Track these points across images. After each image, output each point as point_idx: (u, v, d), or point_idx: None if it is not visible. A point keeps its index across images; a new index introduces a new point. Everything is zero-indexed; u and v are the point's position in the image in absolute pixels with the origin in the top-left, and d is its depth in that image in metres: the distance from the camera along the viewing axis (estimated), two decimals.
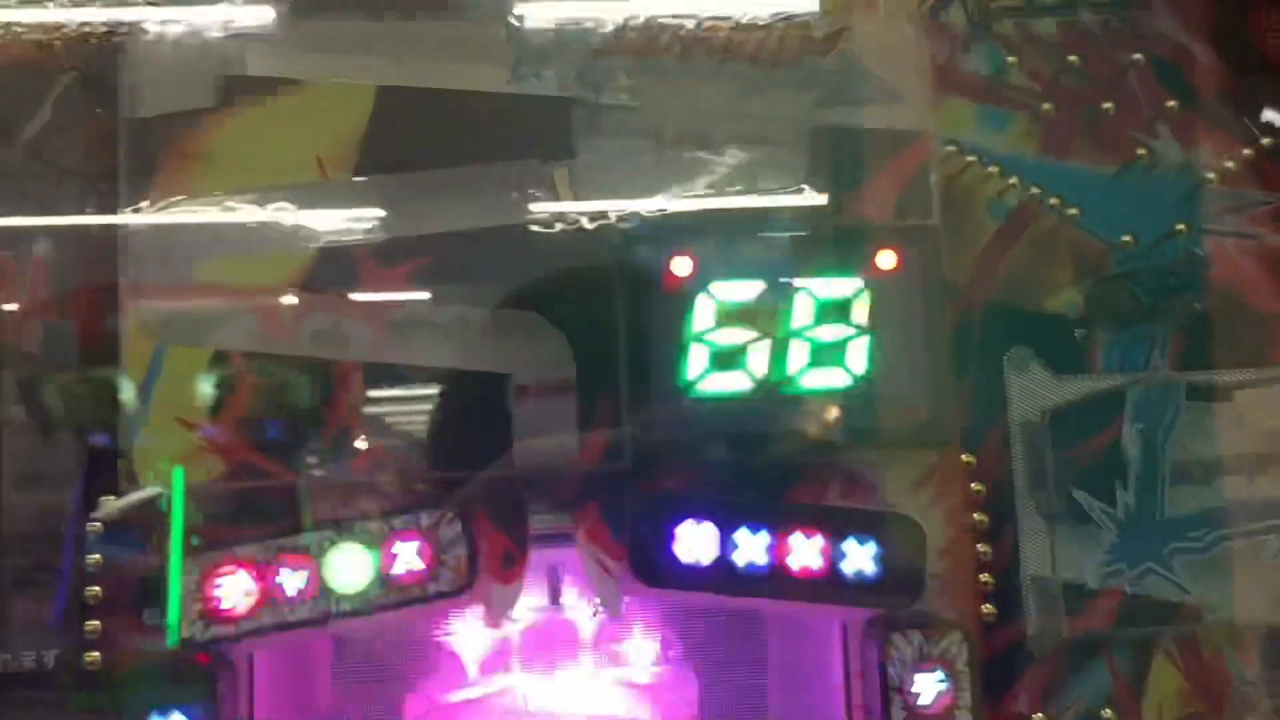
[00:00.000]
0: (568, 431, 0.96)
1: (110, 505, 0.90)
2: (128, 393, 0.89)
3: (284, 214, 0.96)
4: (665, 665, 1.18)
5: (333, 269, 0.96)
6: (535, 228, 0.97)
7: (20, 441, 0.91)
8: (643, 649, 1.21)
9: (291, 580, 0.93)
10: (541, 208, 0.98)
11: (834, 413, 0.99)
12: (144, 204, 0.95)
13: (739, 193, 0.99)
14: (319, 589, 0.93)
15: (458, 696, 1.15)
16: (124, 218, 0.95)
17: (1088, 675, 1.00)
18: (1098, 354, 1.03)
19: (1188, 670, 1.00)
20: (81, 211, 0.97)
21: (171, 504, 0.88)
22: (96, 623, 0.94)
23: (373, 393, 0.95)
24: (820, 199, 1.00)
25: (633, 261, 0.97)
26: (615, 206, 0.97)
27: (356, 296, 0.96)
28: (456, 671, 1.16)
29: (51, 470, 0.91)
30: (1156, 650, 1.00)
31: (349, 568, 0.93)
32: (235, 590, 0.93)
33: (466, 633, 1.10)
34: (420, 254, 0.96)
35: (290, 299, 0.95)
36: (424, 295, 0.96)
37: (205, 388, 0.94)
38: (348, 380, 0.96)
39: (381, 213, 0.95)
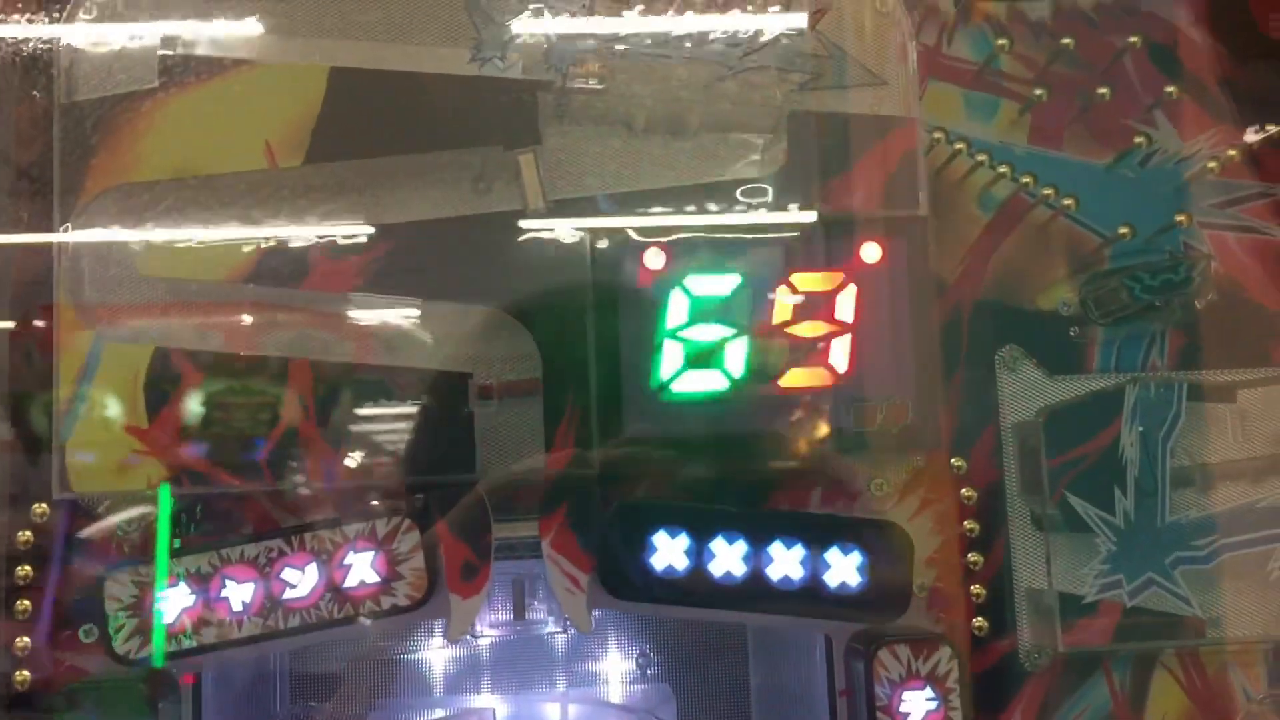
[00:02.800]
0: (534, 435, 0.92)
1: (97, 523, 0.88)
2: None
3: (230, 203, 0.90)
4: (641, 684, 1.14)
5: (282, 262, 0.91)
6: (500, 219, 0.93)
7: (6, 459, 0.89)
8: (617, 666, 1.17)
9: (237, 594, 0.88)
10: (506, 197, 0.93)
11: (816, 415, 0.95)
12: (80, 192, 0.89)
13: (714, 181, 0.94)
14: (266, 603, 0.88)
15: (422, 717, 1.11)
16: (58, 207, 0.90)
17: (1085, 692, 0.96)
18: (1093, 353, 0.99)
19: (1190, 687, 0.96)
20: (14, 200, 0.91)
21: (158, 520, 0.87)
22: (27, 640, 0.88)
23: (326, 393, 0.90)
24: (801, 189, 0.95)
25: (603, 254, 0.93)
26: (583, 195, 0.94)
27: (307, 292, 0.91)
28: (420, 690, 1.11)
29: (39, 489, 0.88)
30: (1157, 665, 0.96)
31: (299, 580, 0.88)
32: (175, 605, 0.87)
33: (430, 648, 1.05)
34: (376, 247, 0.92)
35: (238, 293, 0.90)
36: (379, 291, 0.92)
37: (145, 388, 0.90)
38: (299, 380, 0.90)
39: (334, 203, 0.91)
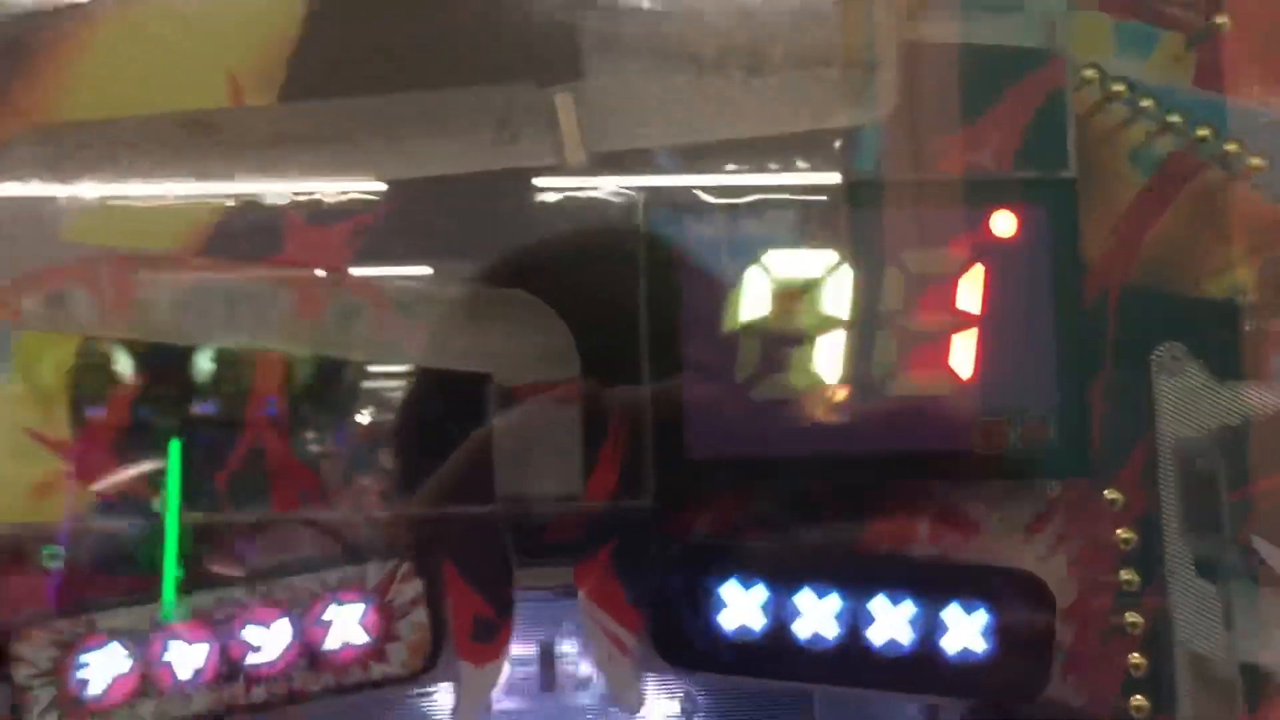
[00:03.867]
0: (568, 453, 0.76)
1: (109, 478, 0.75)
2: (124, 364, 0.76)
3: (181, 152, 0.75)
4: None
5: (249, 229, 0.76)
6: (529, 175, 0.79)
7: None
8: (656, 707, 1.00)
9: (184, 658, 0.72)
10: (537, 148, 0.79)
11: (930, 428, 0.78)
12: None
13: (805, 131, 0.79)
14: (223, 670, 0.72)
15: None
16: None
17: None
18: (1274, 354, 0.84)
19: None
20: None
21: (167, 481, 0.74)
22: None
23: (303, 399, 0.76)
24: (915, 142, 0.80)
25: (660, 222, 0.78)
26: (637, 147, 0.79)
27: (281, 267, 0.76)
28: None
29: None
30: None
31: (265, 640, 0.72)
32: (104, 671, 0.71)
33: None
34: (368, 210, 0.77)
35: (191, 268, 0.76)
36: (373, 267, 0.77)
37: (70, 389, 0.75)
38: (269, 381, 0.75)
39: (315, 153, 0.77)
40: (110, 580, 0.73)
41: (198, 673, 0.71)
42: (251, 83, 0.77)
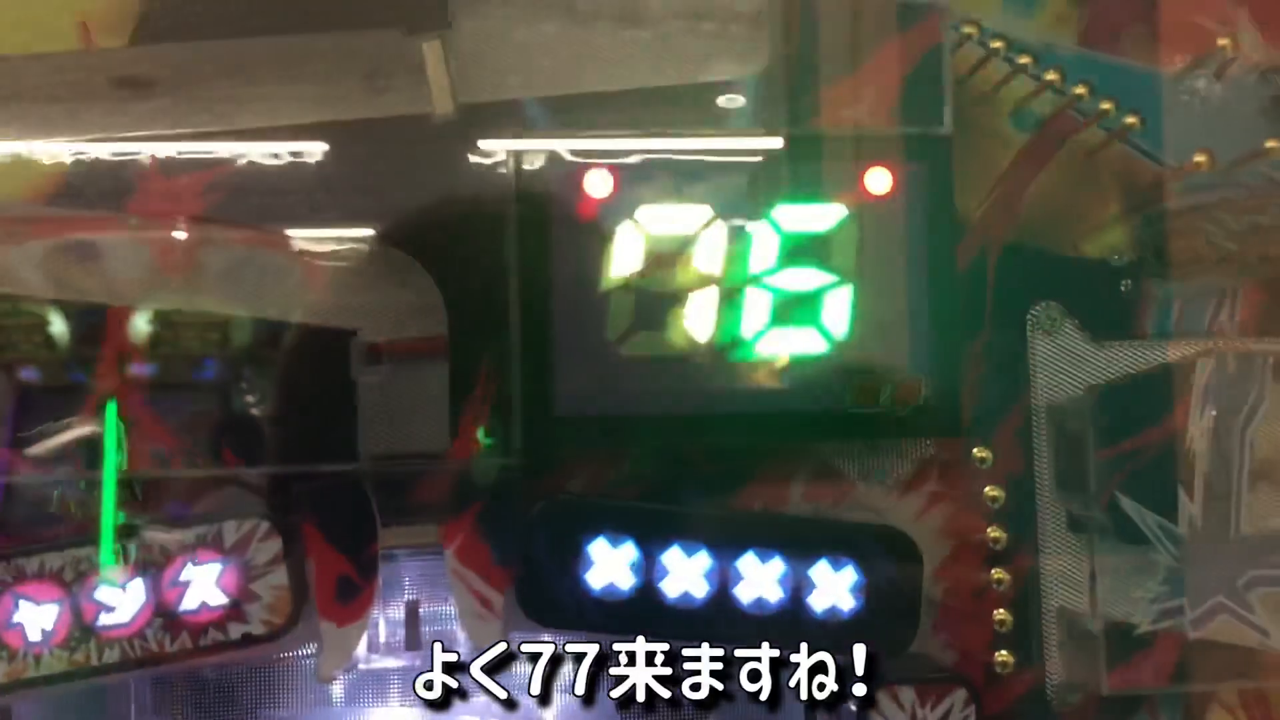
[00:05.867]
0: (435, 410, 0.75)
1: (44, 442, 0.73)
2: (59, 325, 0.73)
3: (27, 97, 0.72)
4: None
5: (99, 178, 0.73)
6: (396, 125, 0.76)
7: None
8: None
9: (34, 618, 0.70)
10: (406, 97, 0.76)
11: (802, 389, 0.77)
12: None
13: (678, 83, 0.77)
14: (74, 631, 0.70)
15: None
16: None
17: None
18: (1149, 313, 0.84)
19: None
20: None
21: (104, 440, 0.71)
22: None
23: (155, 353, 0.73)
24: (791, 96, 0.79)
25: (531, 178, 0.76)
26: (507, 98, 0.77)
27: (133, 217, 0.73)
28: (316, 700, 0.92)
29: None
30: (1215, 704, 0.83)
31: (119, 601, 0.71)
32: None
33: None
34: (227, 161, 0.74)
35: (37, 219, 0.73)
36: (231, 219, 0.74)
37: None
38: (118, 334, 0.73)
39: (170, 98, 0.73)
40: None
41: (47, 634, 0.69)
42: (103, 24, 0.75)
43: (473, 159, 0.75)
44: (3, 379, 0.73)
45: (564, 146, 0.75)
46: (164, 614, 0.70)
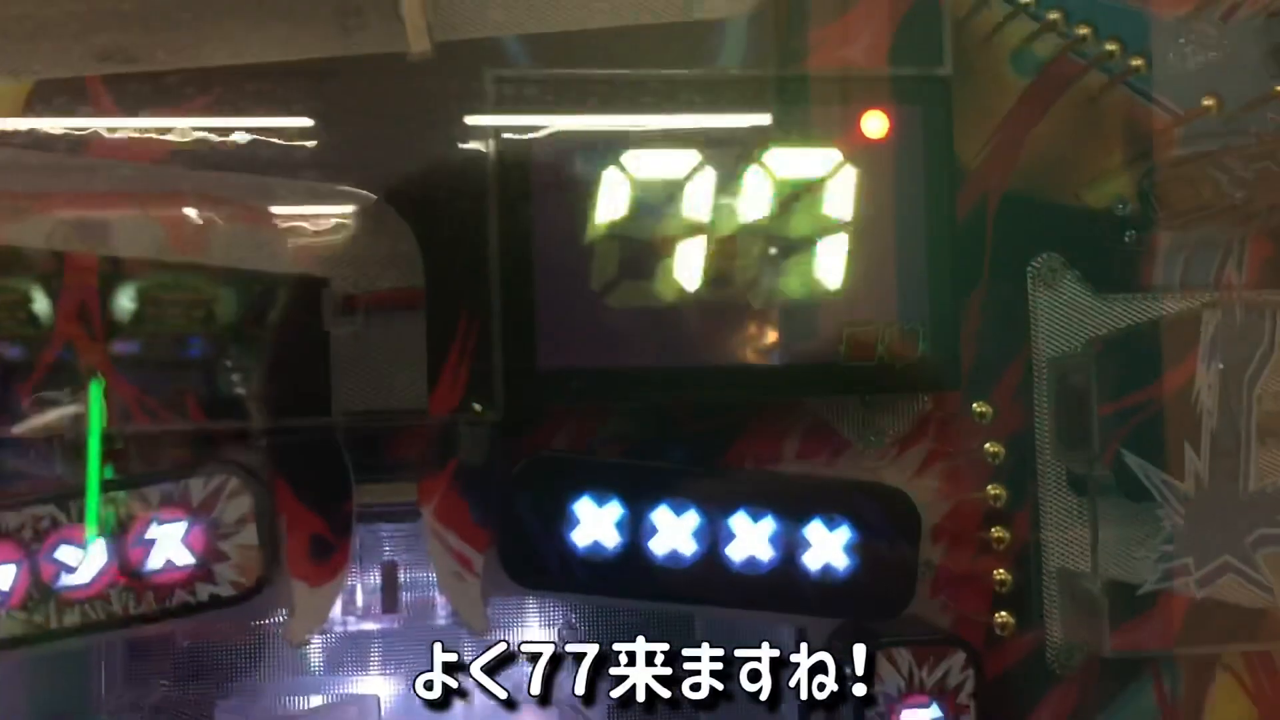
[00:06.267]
0: (412, 363, 0.71)
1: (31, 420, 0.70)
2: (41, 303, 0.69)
3: None
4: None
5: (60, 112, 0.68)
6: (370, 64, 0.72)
7: None
8: (535, 638, 0.98)
9: None
10: (382, 36, 0.72)
11: (794, 340, 0.75)
12: None
13: (666, 21, 0.74)
14: (33, 592, 0.67)
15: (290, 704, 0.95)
16: None
17: (1126, 701, 0.80)
18: (1154, 265, 0.81)
19: (1259, 694, 0.81)
20: None
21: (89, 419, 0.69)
22: None
23: (119, 303, 0.69)
24: (782, 36, 0.76)
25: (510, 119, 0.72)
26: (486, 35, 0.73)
27: (92, 159, 0.69)
28: (290, 669, 0.95)
29: None
30: (1219, 667, 0.80)
31: (79, 561, 0.68)
32: None
33: None
34: (193, 100, 0.70)
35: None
36: (197, 163, 0.70)
37: None
38: (80, 282, 0.68)
39: (127, 34, 0.69)
40: None
41: (4, 595, 0.66)
42: None
43: (451, 101, 0.72)
44: None
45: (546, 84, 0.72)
46: (128, 574, 0.67)
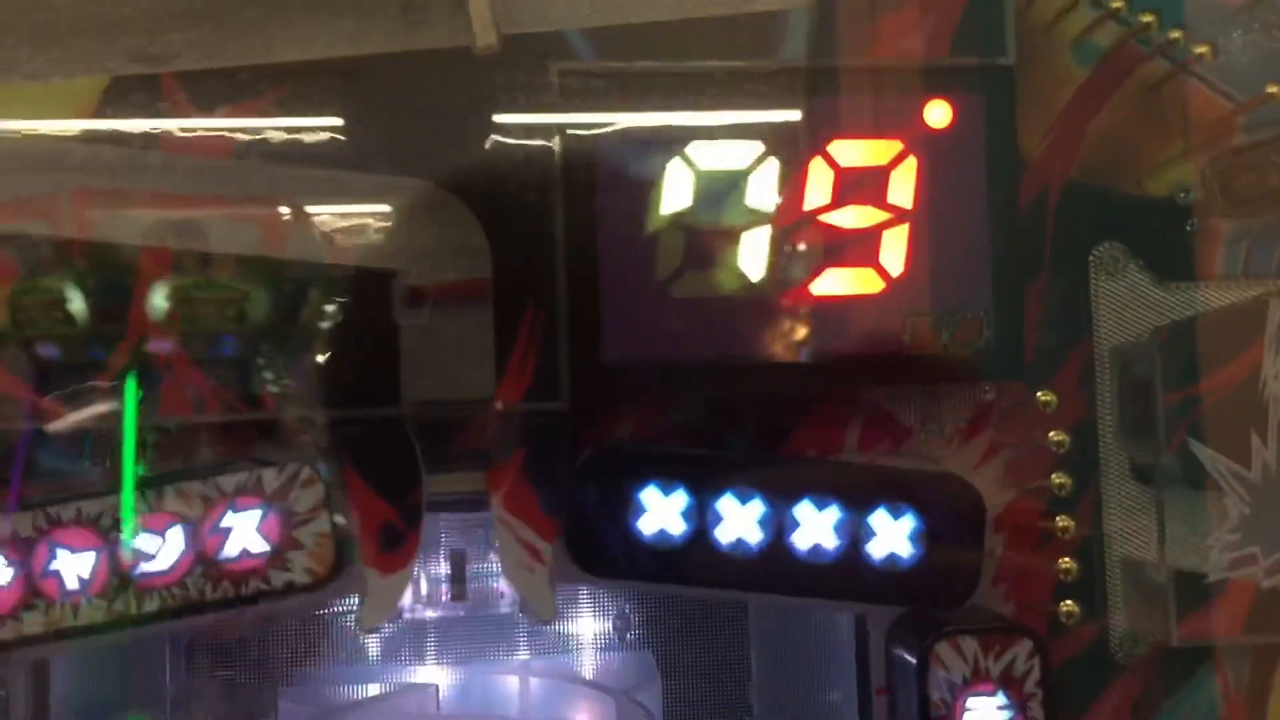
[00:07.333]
0: (480, 355, 0.72)
1: (64, 417, 0.71)
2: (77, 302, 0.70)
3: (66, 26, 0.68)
4: (619, 651, 0.99)
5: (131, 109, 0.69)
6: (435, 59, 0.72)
7: None
8: (590, 629, 1.00)
9: (71, 566, 0.68)
10: (447, 30, 0.71)
11: (858, 330, 0.75)
12: None
13: (729, 13, 0.73)
14: (112, 580, 0.68)
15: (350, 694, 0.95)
16: None
17: (1190, 692, 0.80)
18: (1217, 254, 0.81)
19: None
20: None
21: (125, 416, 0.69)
22: None
23: (187, 295, 0.70)
24: (845, 26, 0.75)
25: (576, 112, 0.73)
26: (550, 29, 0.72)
27: (165, 155, 0.70)
28: (349, 658, 0.95)
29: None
30: None
31: (158, 549, 0.68)
32: None
33: None
34: (263, 96, 0.71)
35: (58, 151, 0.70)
36: (269, 158, 0.71)
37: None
38: (156, 277, 0.70)
39: (197, 32, 0.69)
40: None
41: (84, 583, 0.67)
42: None
43: (516, 95, 0.73)
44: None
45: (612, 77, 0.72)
46: (204, 562, 0.68)
